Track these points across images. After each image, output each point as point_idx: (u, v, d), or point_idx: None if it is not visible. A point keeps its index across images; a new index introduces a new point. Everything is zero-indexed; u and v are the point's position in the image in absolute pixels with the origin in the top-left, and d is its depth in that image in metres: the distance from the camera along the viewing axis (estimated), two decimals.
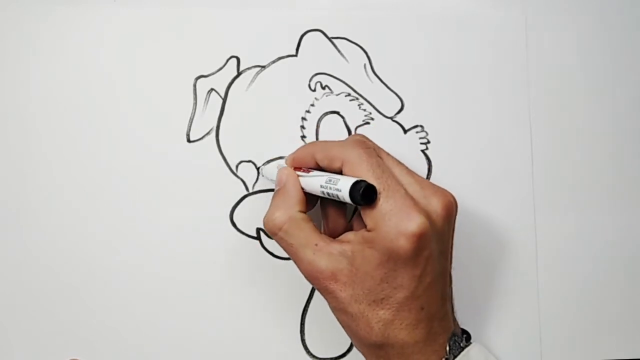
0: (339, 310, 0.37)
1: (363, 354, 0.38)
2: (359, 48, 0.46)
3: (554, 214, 0.47)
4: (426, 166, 0.46)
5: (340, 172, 0.37)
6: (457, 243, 0.39)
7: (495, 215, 0.46)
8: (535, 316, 0.46)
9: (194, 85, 0.45)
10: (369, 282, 0.35)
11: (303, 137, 0.45)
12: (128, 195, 0.44)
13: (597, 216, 0.47)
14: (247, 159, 0.45)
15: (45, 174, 0.44)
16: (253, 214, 0.45)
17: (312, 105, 0.46)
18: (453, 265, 0.39)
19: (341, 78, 0.46)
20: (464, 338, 0.39)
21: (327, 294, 0.37)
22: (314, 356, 0.44)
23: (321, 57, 0.46)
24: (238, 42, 0.46)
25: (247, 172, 0.45)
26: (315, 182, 0.37)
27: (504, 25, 0.47)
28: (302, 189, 0.39)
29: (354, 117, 0.46)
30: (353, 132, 0.46)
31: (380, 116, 0.46)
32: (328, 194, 0.37)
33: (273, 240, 0.44)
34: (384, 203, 0.35)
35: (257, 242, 0.45)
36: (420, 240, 0.34)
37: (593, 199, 0.47)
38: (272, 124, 0.45)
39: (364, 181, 0.35)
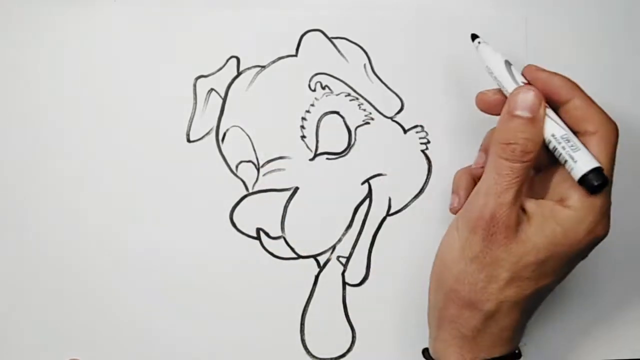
0: (481, 264, 0.35)
1: (452, 318, 0.37)
2: (359, 48, 0.46)
3: None
4: (426, 166, 0.46)
5: (575, 134, 0.35)
6: None
7: None
8: (534, 316, 0.46)
9: (194, 85, 0.45)
10: (531, 257, 0.35)
11: (303, 137, 0.45)
12: (128, 195, 0.44)
13: None
14: (247, 159, 0.45)
15: (45, 174, 0.44)
16: (253, 214, 0.45)
17: (312, 105, 0.46)
18: None
19: (341, 78, 0.46)
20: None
21: (487, 241, 0.35)
22: (314, 356, 0.44)
23: (321, 57, 0.46)
24: (238, 42, 0.46)
25: (247, 172, 0.45)
26: (549, 127, 0.35)
27: (504, 25, 0.47)
28: None
29: (354, 117, 0.46)
30: (353, 132, 0.46)
31: (380, 116, 0.46)
32: (555, 148, 0.35)
33: (273, 240, 0.45)
34: (602, 198, 0.35)
35: (257, 242, 0.45)
36: (594, 246, 0.36)
37: None
38: (272, 124, 0.45)
39: (602, 172, 0.34)
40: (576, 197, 0.35)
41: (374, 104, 0.46)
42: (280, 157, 0.45)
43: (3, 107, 0.44)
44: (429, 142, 0.46)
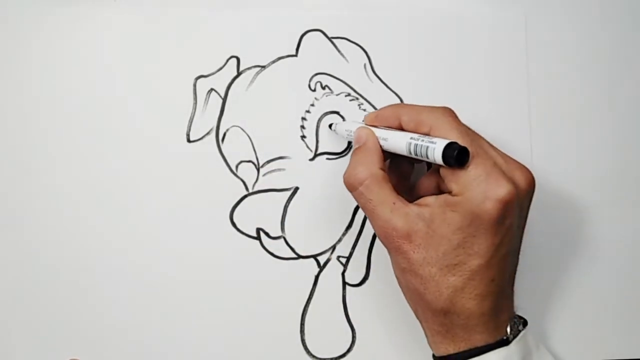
0: (409, 271, 0.37)
1: (423, 320, 0.38)
2: (359, 48, 0.46)
3: (554, 214, 0.47)
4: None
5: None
6: None
7: None
8: (537, 315, 0.46)
9: (194, 85, 0.45)
10: (445, 246, 0.35)
11: (303, 137, 0.45)
12: (128, 195, 0.44)
13: (597, 216, 0.47)
14: (247, 159, 0.45)
15: (45, 174, 0.44)
16: (253, 214, 0.45)
17: (312, 105, 0.46)
18: None
19: (341, 78, 0.46)
20: (522, 322, 0.39)
21: (399, 254, 0.37)
22: (314, 356, 0.44)
23: (321, 57, 0.46)
24: (238, 42, 0.46)
25: (247, 172, 0.45)
26: (403, 137, 0.38)
27: (504, 25, 0.47)
28: (381, 147, 0.39)
29: (354, 117, 0.46)
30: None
31: None
32: (416, 147, 0.36)
33: (273, 240, 0.45)
34: (474, 168, 0.35)
35: (257, 242, 0.45)
36: (506, 207, 0.35)
37: (593, 198, 0.47)
38: (272, 124, 0.45)
39: (458, 144, 0.35)
40: (452, 181, 0.36)
41: (374, 104, 0.46)
42: (280, 157, 0.45)
43: (2, 107, 0.44)
44: None
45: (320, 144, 0.45)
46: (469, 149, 0.35)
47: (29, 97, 0.44)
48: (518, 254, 0.39)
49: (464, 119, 0.39)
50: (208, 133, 0.45)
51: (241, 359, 0.44)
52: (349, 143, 0.45)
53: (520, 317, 0.39)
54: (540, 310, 0.46)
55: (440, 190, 0.39)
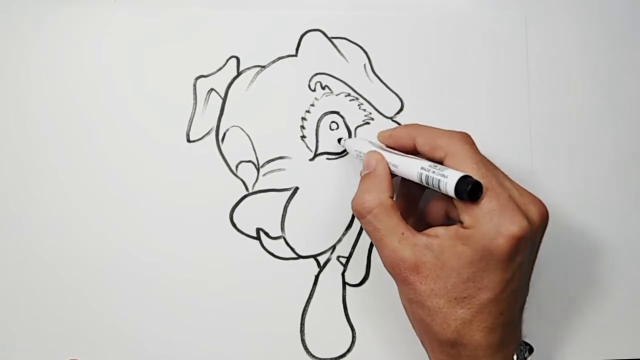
0: (416, 302, 0.36)
1: (430, 349, 0.38)
2: (359, 48, 0.46)
3: (554, 214, 0.47)
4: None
5: (440, 163, 0.37)
6: None
7: None
8: (537, 315, 0.46)
9: (194, 85, 0.45)
10: (454, 279, 0.35)
11: (303, 137, 0.45)
12: (128, 195, 0.44)
13: (597, 216, 0.47)
14: (247, 159, 0.45)
15: (46, 174, 0.44)
16: (253, 214, 0.45)
17: (312, 105, 0.46)
18: None
19: (341, 78, 0.46)
20: (527, 349, 0.38)
21: (406, 284, 0.36)
22: (314, 356, 0.44)
23: (321, 57, 0.46)
24: (238, 42, 0.46)
25: (247, 172, 0.45)
26: (416, 164, 0.37)
27: (504, 25, 0.47)
28: (391, 172, 0.38)
29: (354, 117, 0.46)
30: (353, 132, 0.46)
31: (380, 116, 0.46)
32: (427, 177, 0.36)
33: (273, 240, 0.45)
34: (487, 202, 0.34)
35: (257, 242, 0.45)
36: (519, 243, 0.34)
37: (593, 198, 0.47)
38: (272, 124, 0.45)
39: (472, 177, 0.34)
40: (465, 212, 0.35)
41: (373, 104, 0.46)
42: (280, 157, 0.45)
43: (2, 107, 0.44)
44: None
45: (320, 144, 0.45)
46: (483, 181, 0.35)
47: (29, 96, 0.44)
48: (528, 285, 0.38)
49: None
50: (208, 133, 0.45)
51: (241, 359, 0.44)
52: None
53: (527, 344, 0.39)
54: (540, 310, 0.46)
55: (449, 216, 0.39)
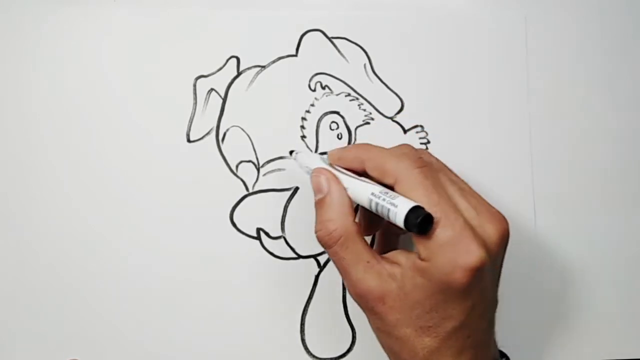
0: (384, 332, 0.36)
1: None
2: (359, 48, 0.46)
3: (554, 214, 0.47)
4: None
5: (391, 188, 0.35)
6: None
7: None
8: (537, 315, 0.46)
9: (194, 85, 0.45)
10: (418, 310, 0.34)
11: (303, 137, 0.45)
12: (128, 196, 0.44)
13: (597, 216, 0.47)
14: (247, 159, 0.45)
15: (46, 174, 0.44)
16: (253, 214, 0.45)
17: (312, 105, 0.46)
18: None
19: (341, 78, 0.46)
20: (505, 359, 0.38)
21: (373, 314, 0.35)
22: (314, 356, 0.44)
23: (321, 57, 0.46)
24: (238, 42, 0.46)
25: (247, 172, 0.45)
26: (366, 189, 0.35)
27: (504, 25, 0.47)
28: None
29: (354, 117, 0.46)
30: (353, 132, 0.46)
31: (380, 116, 0.46)
32: (377, 205, 0.34)
33: (273, 240, 0.45)
34: (441, 233, 0.33)
35: (257, 242, 0.45)
36: (477, 274, 0.33)
37: (593, 198, 0.47)
38: (272, 124, 0.45)
39: (422, 209, 0.32)
40: (420, 243, 0.34)
41: (374, 104, 0.46)
42: (280, 157, 0.45)
43: (2, 107, 0.44)
44: (428, 142, 0.46)
45: (320, 144, 0.45)
46: (435, 210, 0.33)
47: (29, 96, 0.44)
48: (495, 301, 0.37)
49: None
50: (208, 133, 0.45)
51: (241, 359, 0.44)
52: (349, 143, 0.45)
53: (502, 354, 0.38)
54: (540, 310, 0.46)
55: None
